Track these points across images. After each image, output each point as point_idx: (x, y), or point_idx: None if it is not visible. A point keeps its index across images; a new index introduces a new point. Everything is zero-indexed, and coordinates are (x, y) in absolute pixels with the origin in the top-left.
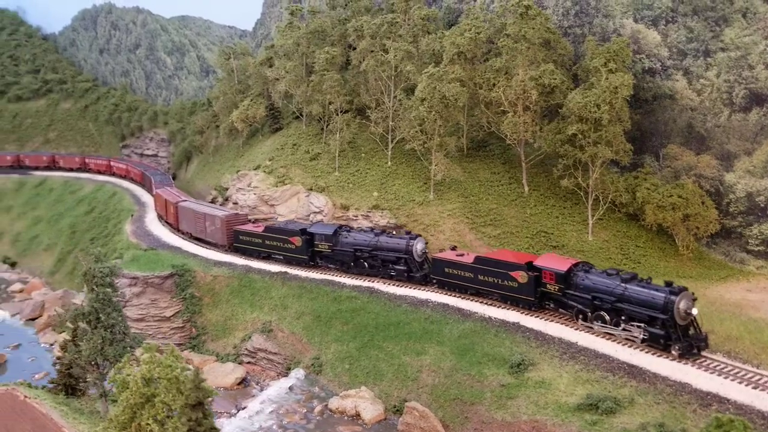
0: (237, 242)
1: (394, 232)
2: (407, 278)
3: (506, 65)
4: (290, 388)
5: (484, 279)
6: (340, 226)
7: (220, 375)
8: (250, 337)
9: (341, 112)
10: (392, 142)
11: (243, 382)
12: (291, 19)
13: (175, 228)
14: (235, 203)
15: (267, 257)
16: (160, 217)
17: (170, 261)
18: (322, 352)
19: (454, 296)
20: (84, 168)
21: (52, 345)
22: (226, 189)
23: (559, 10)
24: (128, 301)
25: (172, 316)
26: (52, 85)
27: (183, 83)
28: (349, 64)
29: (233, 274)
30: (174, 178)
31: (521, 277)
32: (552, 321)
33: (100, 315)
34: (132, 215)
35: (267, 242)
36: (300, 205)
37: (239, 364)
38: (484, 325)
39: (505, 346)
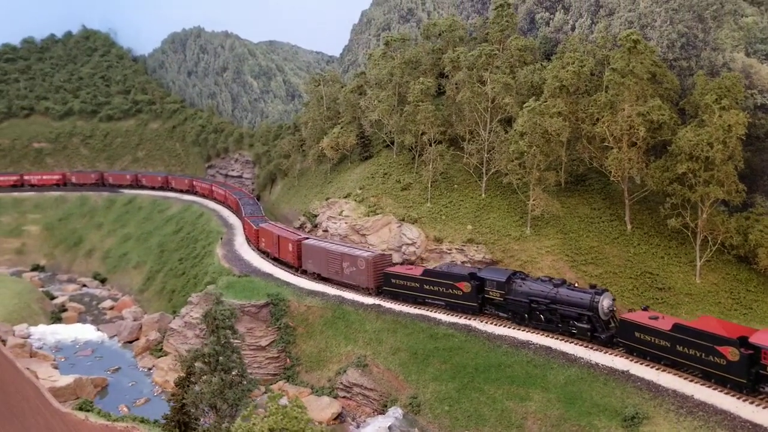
0: (387, 285)
1: (576, 284)
2: (590, 338)
3: (611, 100)
4: (389, 429)
5: (684, 351)
6: (514, 273)
7: (316, 409)
8: (345, 371)
9: (435, 142)
10: (486, 174)
11: (339, 417)
12: (385, 49)
13: (297, 267)
14: (325, 231)
15: (423, 303)
16: (247, 240)
17: (264, 289)
18: (420, 391)
19: (558, 339)
20: (166, 187)
21: (150, 369)
22: (315, 215)
23: (664, 42)
24: None
25: (268, 345)
26: (141, 105)
27: (269, 106)
28: (441, 93)
29: (326, 304)
30: (258, 200)
31: (731, 354)
32: (664, 371)
33: (220, 358)
34: (221, 238)
35: (426, 287)
36: (392, 235)
37: (334, 398)
38: (590, 371)
39: (616, 396)
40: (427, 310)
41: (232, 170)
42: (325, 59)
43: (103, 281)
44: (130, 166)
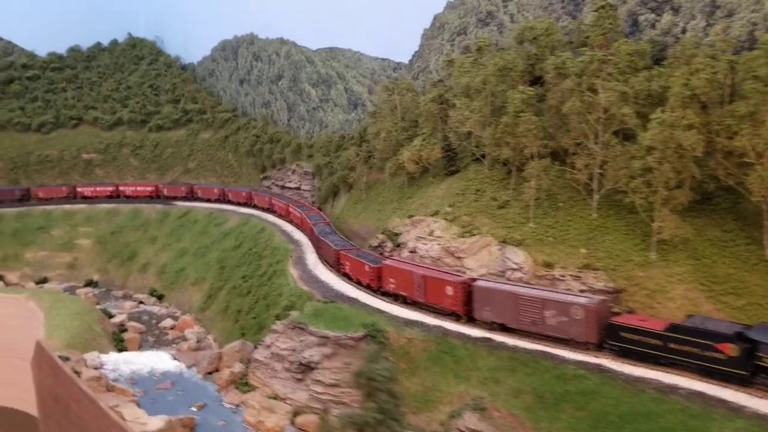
0: (613, 339)
1: None
2: None
3: (753, 110)
4: None
5: None
6: None
7: None
8: (460, 415)
9: (538, 156)
10: (598, 191)
11: None
12: (476, 55)
13: (463, 315)
14: (413, 252)
15: (665, 364)
16: (320, 258)
17: (356, 318)
18: None
19: (710, 383)
20: (223, 199)
21: (238, 406)
22: (397, 234)
23: None
24: (319, 363)
25: None
26: (192, 115)
27: (328, 116)
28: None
29: (428, 336)
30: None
31: None
32: None
33: (380, 428)
34: (291, 256)
35: (671, 345)
36: (492, 259)
37: None
38: (762, 424)
39: None
40: (548, 345)
41: (289, 182)
42: (391, 66)
43: (160, 298)
44: (180, 177)
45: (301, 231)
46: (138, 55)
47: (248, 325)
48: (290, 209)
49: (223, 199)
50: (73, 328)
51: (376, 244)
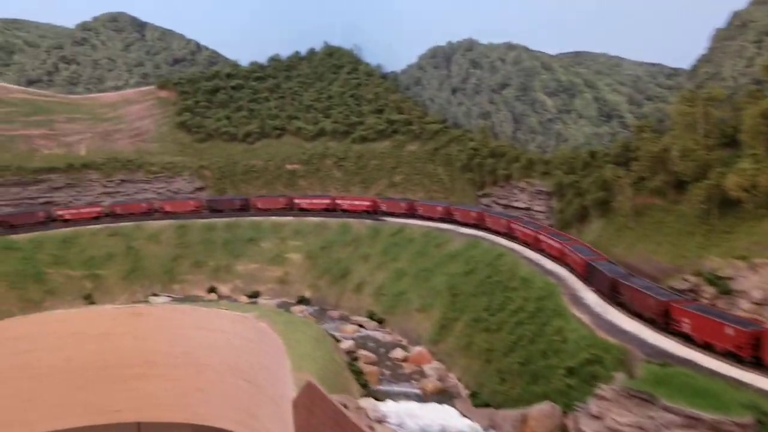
0: None
1: None
2: None
3: None
4: None
5: None
6: None
7: None
8: None
9: None
10: None
11: None
12: None
13: None
14: (759, 303)
15: None
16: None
17: (725, 394)
18: None
19: None
20: (447, 218)
21: None
22: (722, 279)
23: None
24: None
25: None
26: (397, 125)
27: (569, 128)
28: None
29: None
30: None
31: None
32: None
33: None
34: (560, 292)
35: None
36: None
37: None
38: None
39: None
40: None
41: (516, 201)
42: (664, 72)
43: (380, 322)
44: (385, 190)
45: (557, 262)
46: (336, 64)
47: (511, 370)
48: (540, 237)
49: (447, 218)
50: (319, 359)
51: (684, 287)
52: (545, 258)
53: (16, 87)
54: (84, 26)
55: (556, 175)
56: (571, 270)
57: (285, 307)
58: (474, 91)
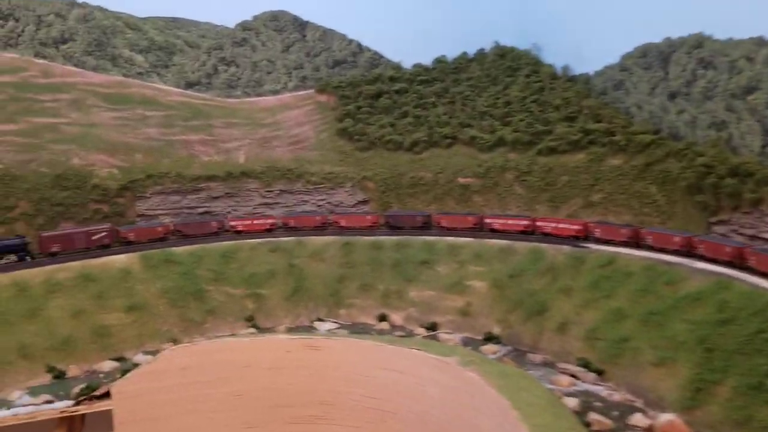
0: None
1: None
2: None
3: None
4: None
5: None
6: None
7: None
8: None
9: None
10: None
11: None
12: None
13: None
14: None
15: None
16: None
17: None
18: None
19: None
20: (688, 251)
21: None
22: None
23: None
24: None
25: None
26: (595, 136)
27: None
28: None
29: None
30: None
31: None
32: None
33: None
34: None
35: None
36: None
37: None
38: None
39: None
40: None
41: (766, 231)
42: None
43: (599, 373)
44: (579, 212)
45: None
46: (511, 66)
47: None
48: None
49: (686, 251)
50: None
51: None
52: None
53: (175, 89)
54: (244, 26)
55: None
56: None
57: (472, 344)
58: (703, 96)
